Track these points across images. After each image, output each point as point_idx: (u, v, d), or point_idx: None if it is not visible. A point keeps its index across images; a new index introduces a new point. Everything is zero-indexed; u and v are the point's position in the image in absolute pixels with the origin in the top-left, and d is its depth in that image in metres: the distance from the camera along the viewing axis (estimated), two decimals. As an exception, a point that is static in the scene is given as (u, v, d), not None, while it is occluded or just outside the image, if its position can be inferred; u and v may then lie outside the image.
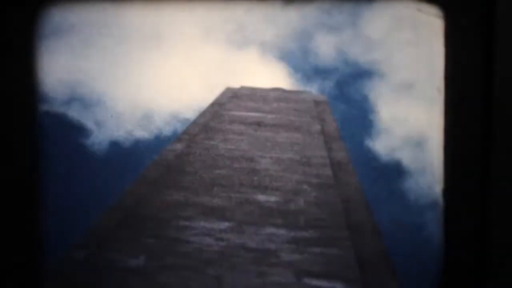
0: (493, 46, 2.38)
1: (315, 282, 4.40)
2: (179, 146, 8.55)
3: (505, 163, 2.37)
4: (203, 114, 11.63)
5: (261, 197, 6.38)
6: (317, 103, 14.37)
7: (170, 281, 4.26)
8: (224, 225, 5.46)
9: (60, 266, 4.34)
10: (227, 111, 12.19)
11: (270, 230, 5.41)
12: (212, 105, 12.87)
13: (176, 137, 9.14)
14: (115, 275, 4.30)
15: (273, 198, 6.37)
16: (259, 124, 11.02)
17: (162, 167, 7.32)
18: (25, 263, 3.06)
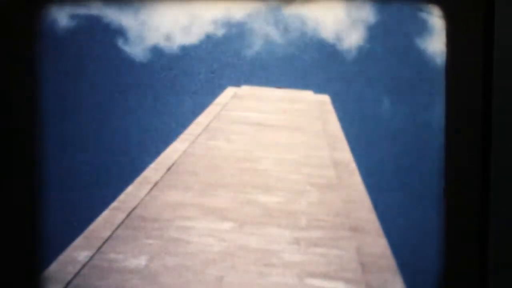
0: (493, 46, 2.37)
1: (317, 282, 4.39)
2: (181, 146, 8.55)
3: (505, 162, 2.37)
4: (205, 114, 11.62)
5: (263, 198, 6.37)
6: (319, 102, 14.36)
7: (171, 282, 4.26)
8: (226, 225, 5.46)
9: (60, 266, 4.34)
10: (229, 111, 12.19)
11: (272, 230, 5.40)
12: (214, 105, 12.86)
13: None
14: (116, 276, 4.29)
15: (275, 199, 6.36)
16: (261, 124, 11.02)
17: (164, 167, 7.32)
18: (25, 263, 3.06)
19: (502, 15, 2.35)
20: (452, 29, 2.45)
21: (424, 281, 3.92)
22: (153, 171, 7.09)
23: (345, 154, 8.86)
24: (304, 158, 8.43)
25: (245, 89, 15.72)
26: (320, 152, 8.89)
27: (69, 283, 4.13)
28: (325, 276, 4.50)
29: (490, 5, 2.37)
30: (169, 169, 7.27)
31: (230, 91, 15.05)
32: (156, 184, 6.60)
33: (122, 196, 6.06)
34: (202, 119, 11.03)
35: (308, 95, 15.59)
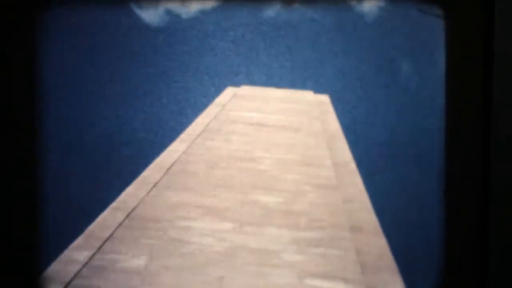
0: (493, 46, 2.38)
1: (317, 282, 4.39)
2: (180, 147, 8.55)
3: (505, 163, 2.37)
4: (204, 114, 11.63)
5: (263, 198, 6.38)
6: (319, 103, 14.37)
7: (171, 282, 4.26)
8: (226, 225, 5.46)
9: (60, 266, 4.34)
10: (229, 111, 12.20)
11: (272, 230, 5.40)
12: (214, 105, 12.87)
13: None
14: (116, 276, 4.30)
15: (275, 199, 6.37)
16: (260, 124, 11.02)
17: (164, 167, 7.32)
18: (25, 263, 3.06)
19: (502, 15, 2.35)
20: (452, 29, 2.46)
21: (424, 281, 3.92)
22: (153, 171, 7.09)
23: (345, 154, 8.87)
24: (304, 158, 8.43)
25: (244, 89, 15.72)
26: (319, 152, 8.89)
27: (69, 283, 4.13)
28: (325, 276, 4.51)
29: (490, 4, 2.38)
30: (168, 169, 7.28)
31: (230, 91, 15.05)
32: (156, 184, 6.60)
33: (122, 196, 6.06)
34: (202, 119, 11.03)
35: (307, 95, 15.60)
